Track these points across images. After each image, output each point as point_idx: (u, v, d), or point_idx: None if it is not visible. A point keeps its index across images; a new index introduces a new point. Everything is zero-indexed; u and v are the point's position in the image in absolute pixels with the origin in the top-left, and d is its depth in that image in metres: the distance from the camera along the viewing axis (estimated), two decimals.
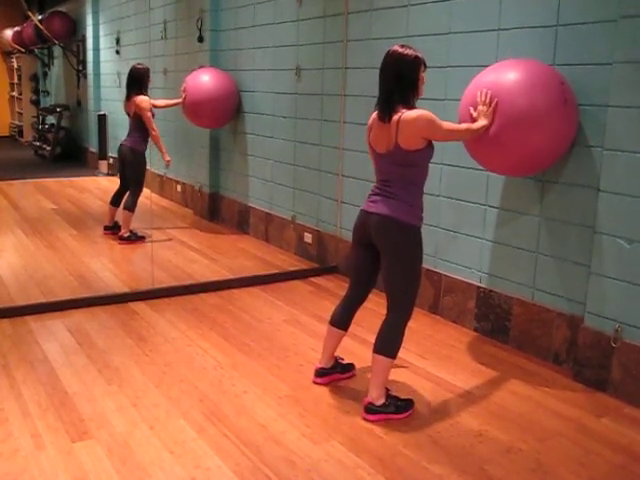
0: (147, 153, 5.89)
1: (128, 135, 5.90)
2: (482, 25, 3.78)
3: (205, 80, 6.10)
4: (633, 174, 3.02)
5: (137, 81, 5.75)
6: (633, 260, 3.06)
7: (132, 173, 5.89)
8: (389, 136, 2.81)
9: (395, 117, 2.78)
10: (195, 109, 6.09)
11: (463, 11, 3.91)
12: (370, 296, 3.19)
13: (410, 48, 2.85)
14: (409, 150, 2.79)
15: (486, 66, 3.39)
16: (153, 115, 5.79)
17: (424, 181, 2.94)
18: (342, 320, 3.17)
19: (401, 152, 2.80)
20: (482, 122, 3.09)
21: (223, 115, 6.27)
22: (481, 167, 3.75)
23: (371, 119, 2.96)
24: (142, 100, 5.70)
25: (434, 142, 2.91)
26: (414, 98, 2.86)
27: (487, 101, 3.11)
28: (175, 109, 6.44)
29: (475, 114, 3.14)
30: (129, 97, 5.78)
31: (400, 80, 2.81)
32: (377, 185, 2.96)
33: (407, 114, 2.77)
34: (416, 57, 2.83)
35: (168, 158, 5.93)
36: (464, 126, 3.09)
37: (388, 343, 2.91)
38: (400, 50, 2.83)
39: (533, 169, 3.37)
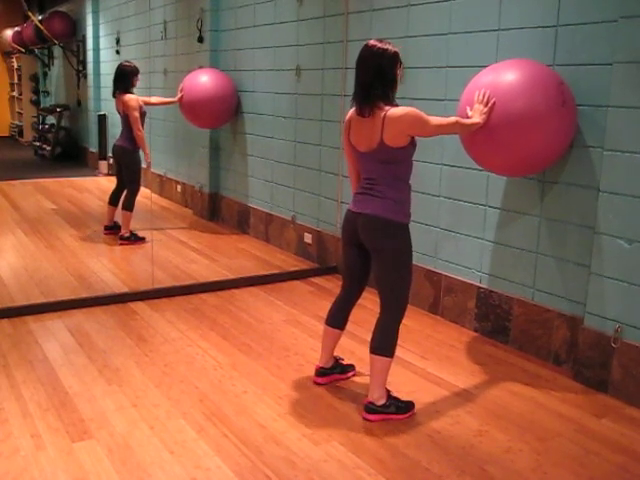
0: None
1: (120, 134, 5.86)
2: (482, 25, 3.78)
3: (203, 80, 6.10)
4: (633, 174, 3.02)
5: (123, 79, 5.69)
6: (633, 260, 3.06)
7: (127, 172, 5.87)
8: (372, 133, 2.77)
9: (380, 114, 2.74)
10: (192, 109, 6.09)
11: (463, 11, 3.90)
12: (369, 295, 3.20)
13: (389, 43, 2.82)
14: (394, 147, 2.76)
15: (486, 67, 3.39)
16: (144, 114, 5.75)
17: (409, 176, 2.91)
18: (337, 320, 3.17)
19: (386, 149, 2.77)
20: (475, 120, 3.07)
21: (220, 116, 6.27)
22: (481, 167, 3.75)
23: (348, 116, 2.93)
24: (130, 99, 5.66)
25: (423, 138, 2.89)
26: (393, 94, 2.83)
27: (484, 100, 3.09)
28: (175, 109, 6.44)
29: (471, 113, 3.12)
30: (115, 95, 5.74)
31: (380, 75, 2.77)
32: (362, 184, 2.93)
33: (393, 111, 2.74)
34: (395, 52, 2.81)
35: (149, 160, 5.90)
36: (453, 119, 3.02)
37: (384, 342, 2.90)
38: (379, 45, 2.79)
39: (530, 170, 3.37)
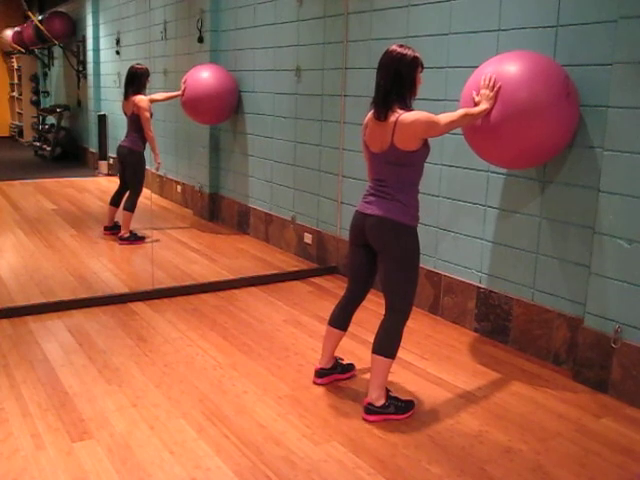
0: (146, 153, 5.89)
1: (126, 135, 5.90)
2: (482, 25, 3.78)
3: (205, 76, 6.11)
4: (633, 175, 3.02)
5: (135, 81, 5.77)
6: (633, 260, 3.06)
7: (131, 173, 5.90)
8: (384, 136, 2.80)
9: (392, 117, 2.77)
10: (194, 105, 6.10)
11: (463, 11, 3.91)
12: (370, 296, 3.19)
13: (409, 48, 2.84)
14: (405, 150, 2.78)
15: None
16: (151, 115, 5.79)
17: (419, 180, 2.93)
18: (340, 321, 3.17)
19: (396, 152, 2.79)
20: (483, 106, 3.07)
21: (222, 111, 6.27)
22: (481, 167, 3.76)
23: (367, 118, 2.95)
24: (141, 100, 5.72)
25: (434, 138, 2.90)
26: (410, 98, 2.86)
27: (490, 85, 3.09)
28: (175, 109, 6.45)
29: (477, 98, 3.12)
30: (127, 97, 5.80)
31: (398, 79, 2.80)
32: (371, 185, 2.95)
33: (405, 116, 2.76)
34: (415, 57, 2.83)
35: (160, 161, 5.95)
36: (462, 112, 3.02)
37: (387, 344, 2.91)
38: (399, 49, 2.82)
39: (532, 162, 3.34)
